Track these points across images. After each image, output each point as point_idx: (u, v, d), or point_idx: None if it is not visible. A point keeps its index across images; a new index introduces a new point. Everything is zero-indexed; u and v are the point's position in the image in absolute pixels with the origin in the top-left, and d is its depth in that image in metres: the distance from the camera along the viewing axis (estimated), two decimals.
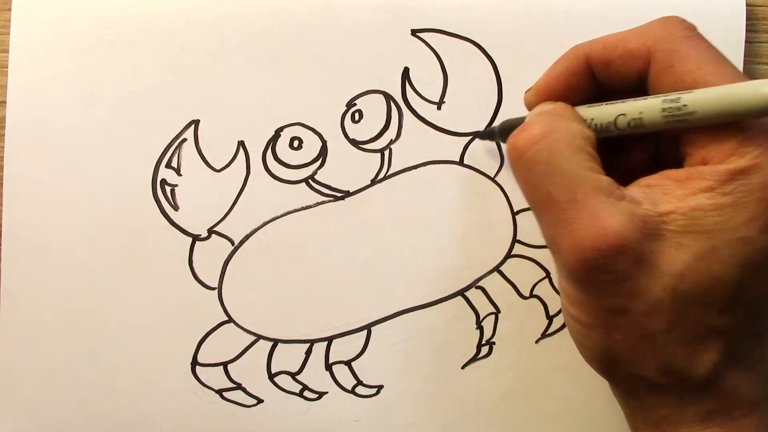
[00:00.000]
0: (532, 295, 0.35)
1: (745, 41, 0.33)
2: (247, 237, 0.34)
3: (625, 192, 0.24)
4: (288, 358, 0.35)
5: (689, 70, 0.24)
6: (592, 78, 0.27)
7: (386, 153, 0.34)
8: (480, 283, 0.35)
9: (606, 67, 0.27)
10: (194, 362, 0.35)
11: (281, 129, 0.34)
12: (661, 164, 0.27)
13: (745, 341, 0.25)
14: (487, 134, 0.34)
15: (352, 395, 0.35)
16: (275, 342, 0.35)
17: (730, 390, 0.25)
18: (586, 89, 0.27)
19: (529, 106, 0.29)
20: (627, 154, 0.29)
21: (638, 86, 0.26)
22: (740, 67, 0.34)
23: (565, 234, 0.24)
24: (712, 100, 0.23)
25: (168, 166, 0.34)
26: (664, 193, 0.24)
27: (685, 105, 0.24)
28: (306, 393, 0.35)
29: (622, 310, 0.24)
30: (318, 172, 0.34)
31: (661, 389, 0.25)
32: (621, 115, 0.25)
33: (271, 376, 0.35)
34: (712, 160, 0.24)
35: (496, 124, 0.34)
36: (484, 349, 0.35)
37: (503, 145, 0.34)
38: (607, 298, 0.24)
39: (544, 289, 0.35)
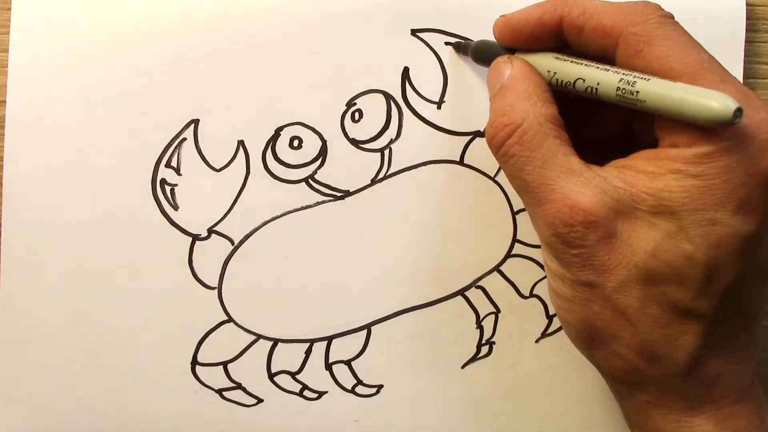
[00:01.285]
0: (532, 295, 0.35)
1: (745, 41, 0.33)
2: (247, 237, 0.34)
3: (598, 172, 0.25)
4: (288, 357, 0.35)
5: (657, 56, 0.24)
6: (561, 34, 0.28)
7: (386, 152, 0.34)
8: (480, 283, 0.35)
9: (576, 33, 0.27)
10: (194, 362, 0.35)
11: (281, 128, 0.34)
12: (638, 141, 0.28)
13: (728, 327, 0.25)
14: (461, 47, 0.33)
15: (352, 395, 0.35)
16: (275, 341, 0.35)
17: (714, 378, 0.25)
18: (553, 42, 0.28)
19: (496, 33, 0.30)
20: (599, 126, 0.30)
21: (602, 58, 0.26)
22: (740, 67, 0.34)
23: (540, 212, 0.25)
24: (663, 96, 0.23)
25: (168, 165, 0.34)
26: (636, 173, 0.25)
27: (638, 91, 0.24)
28: (306, 392, 0.35)
29: (595, 284, 0.25)
30: (318, 171, 0.34)
31: (642, 374, 0.26)
32: (580, 79, 0.26)
33: (271, 376, 0.35)
34: (681, 143, 0.24)
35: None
36: (484, 349, 0.35)
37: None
38: (581, 271, 0.25)
39: (544, 289, 0.35)
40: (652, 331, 0.25)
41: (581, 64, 0.26)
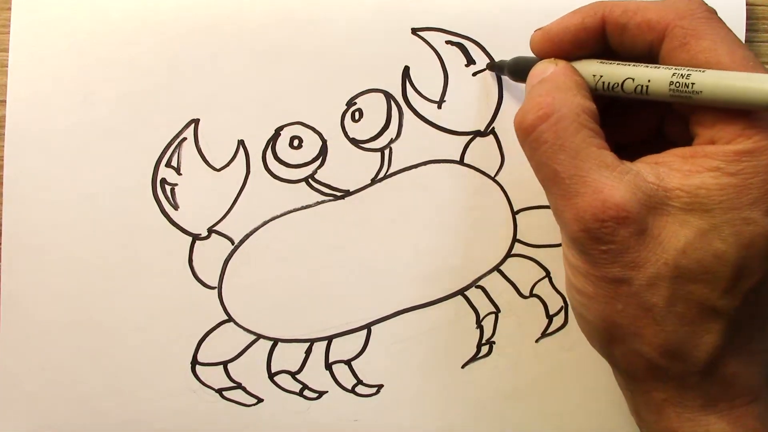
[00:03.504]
0: (532, 295, 0.35)
1: (745, 41, 0.33)
2: (247, 236, 0.34)
3: (631, 167, 0.25)
4: (288, 357, 0.35)
5: (704, 49, 0.24)
6: (603, 38, 0.27)
7: (386, 152, 0.34)
8: (480, 283, 0.35)
9: (620, 32, 0.27)
10: (194, 361, 0.35)
11: (281, 128, 0.34)
12: (669, 143, 0.27)
13: (747, 327, 0.25)
14: (497, 66, 0.33)
15: (352, 394, 0.35)
16: (275, 341, 0.35)
17: (731, 377, 0.25)
18: (594, 47, 0.28)
19: (534, 47, 0.29)
20: (631, 128, 0.30)
21: (646, 58, 0.26)
22: None
23: (569, 206, 0.25)
24: (721, 85, 0.23)
25: (168, 165, 0.34)
26: (670, 170, 0.24)
27: (693, 83, 0.24)
28: (306, 392, 0.35)
29: (623, 281, 0.24)
30: (318, 171, 0.34)
31: (662, 371, 0.25)
32: (629, 78, 0.26)
33: (271, 376, 0.35)
34: (720, 140, 0.24)
35: (496, 123, 0.34)
36: (484, 349, 0.35)
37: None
38: (609, 268, 0.24)
39: (544, 289, 0.35)
40: (676, 329, 0.24)
41: (628, 65, 0.26)
